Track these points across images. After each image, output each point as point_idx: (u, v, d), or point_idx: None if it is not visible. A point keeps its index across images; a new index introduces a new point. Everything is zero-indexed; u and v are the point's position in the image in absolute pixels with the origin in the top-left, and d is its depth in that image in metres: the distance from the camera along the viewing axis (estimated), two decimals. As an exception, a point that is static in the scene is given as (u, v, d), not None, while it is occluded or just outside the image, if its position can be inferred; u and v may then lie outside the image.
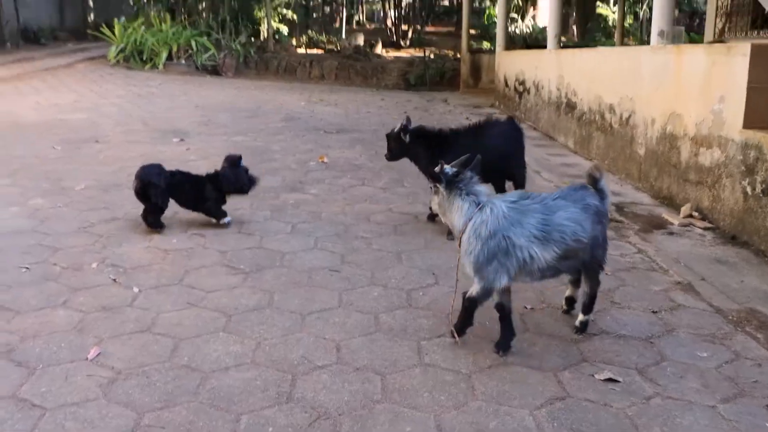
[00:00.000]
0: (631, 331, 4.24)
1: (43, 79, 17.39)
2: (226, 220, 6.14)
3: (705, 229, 6.33)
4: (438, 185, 3.89)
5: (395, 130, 6.22)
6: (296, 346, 3.95)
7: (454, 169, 3.89)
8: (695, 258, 5.61)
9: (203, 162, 8.68)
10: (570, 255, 3.84)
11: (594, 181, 4.06)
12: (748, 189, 5.82)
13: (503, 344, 3.96)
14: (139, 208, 6.03)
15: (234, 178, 6.09)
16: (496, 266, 3.75)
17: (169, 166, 6.16)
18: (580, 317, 4.22)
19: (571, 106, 10.56)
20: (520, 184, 6.45)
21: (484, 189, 3.92)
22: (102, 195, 7.11)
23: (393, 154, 6.37)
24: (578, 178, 8.03)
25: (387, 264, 5.33)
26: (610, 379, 3.64)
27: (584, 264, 4.04)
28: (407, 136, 6.15)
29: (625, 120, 8.39)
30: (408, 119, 6.24)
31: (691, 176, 6.79)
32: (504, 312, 3.95)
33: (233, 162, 6.13)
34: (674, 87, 7.21)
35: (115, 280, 4.88)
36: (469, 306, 3.97)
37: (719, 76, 6.36)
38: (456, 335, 4.03)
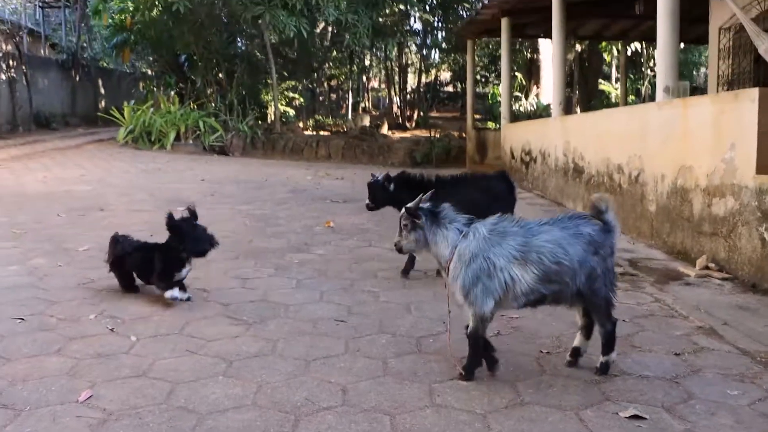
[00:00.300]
0: (654, 371, 4.02)
1: (52, 157, 17.49)
2: (170, 295, 5.24)
3: (723, 279, 6.13)
4: (418, 221, 3.89)
5: (379, 179, 6.33)
6: (300, 389, 3.74)
7: (431, 204, 3.95)
8: (715, 305, 5.40)
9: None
10: (553, 278, 3.76)
11: (598, 213, 3.95)
12: (766, 235, 5.65)
13: (467, 370, 3.91)
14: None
15: (195, 236, 5.35)
16: (482, 288, 3.74)
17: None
18: (601, 358, 4.01)
19: (578, 171, 10.48)
20: None
21: (464, 217, 3.94)
22: (103, 255, 6.93)
23: (376, 203, 6.41)
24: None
25: (395, 314, 5.13)
26: (635, 416, 3.41)
27: (584, 298, 3.90)
28: (391, 185, 6.27)
29: (634, 178, 8.27)
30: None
31: (705, 228, 6.63)
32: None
33: (192, 215, 5.46)
34: (683, 140, 7.12)
35: (112, 329, 4.70)
36: (474, 343, 3.89)
37: (728, 123, 6.27)
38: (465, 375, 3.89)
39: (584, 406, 3.54)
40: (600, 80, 27.15)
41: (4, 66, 24.04)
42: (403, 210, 3.90)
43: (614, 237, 3.98)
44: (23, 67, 25.07)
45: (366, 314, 5.11)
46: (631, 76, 28.54)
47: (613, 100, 24.33)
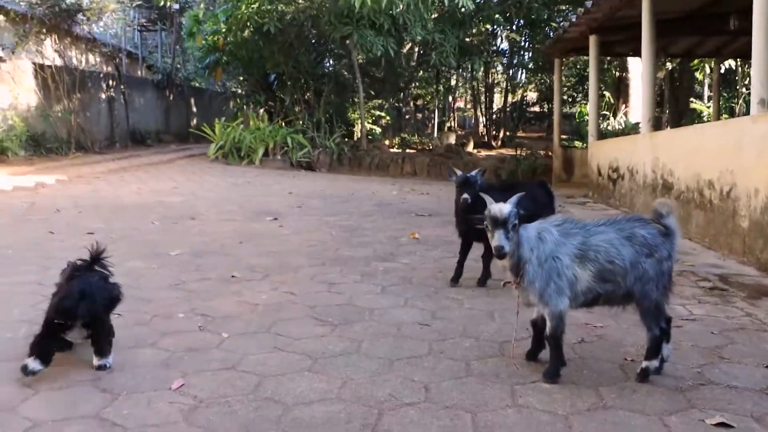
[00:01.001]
0: (743, 382, 3.94)
1: (146, 171, 18.19)
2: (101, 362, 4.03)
3: (819, 296, 5.94)
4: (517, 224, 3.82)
5: (474, 174, 6.04)
6: (383, 386, 3.82)
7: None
8: (811, 321, 5.24)
9: (296, 236, 8.81)
10: (607, 278, 3.86)
11: (659, 217, 3.99)
12: None
13: (550, 372, 3.94)
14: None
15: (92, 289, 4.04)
16: (555, 288, 3.82)
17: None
18: (642, 363, 4.01)
19: (667, 187, 10.29)
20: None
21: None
22: (195, 259, 7.24)
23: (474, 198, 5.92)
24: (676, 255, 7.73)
25: (479, 320, 5.16)
26: (722, 424, 3.35)
27: (633, 299, 3.94)
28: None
29: (726, 194, 8.09)
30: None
31: (801, 244, 6.44)
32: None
33: (93, 260, 4.27)
34: (778, 154, 6.94)
35: (202, 327, 4.89)
36: (554, 343, 3.93)
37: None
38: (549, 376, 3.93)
39: (669, 413, 3.51)
40: (691, 99, 26.51)
41: (104, 86, 25.09)
42: (512, 209, 3.78)
43: (673, 242, 3.98)
44: (122, 87, 26.11)
45: (450, 319, 5.17)
46: (725, 94, 27.78)
47: (705, 119, 23.72)
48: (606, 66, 27.21)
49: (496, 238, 3.74)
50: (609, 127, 22.67)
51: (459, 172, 6.09)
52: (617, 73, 26.18)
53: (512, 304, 5.44)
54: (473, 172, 6.08)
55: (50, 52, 21.58)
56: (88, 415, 3.38)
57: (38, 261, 7.05)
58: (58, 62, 21.64)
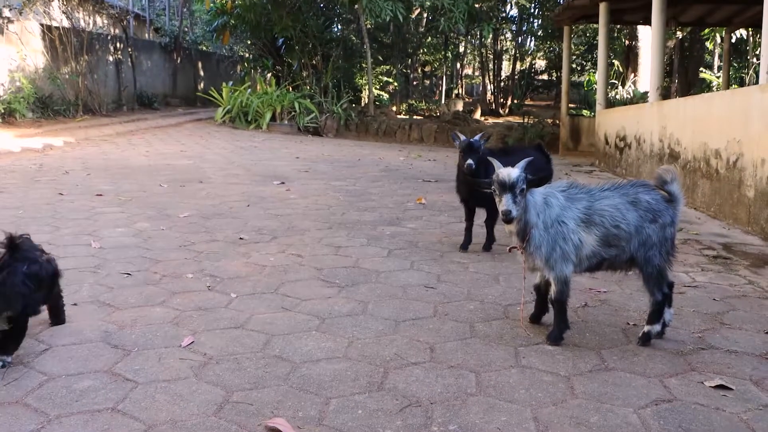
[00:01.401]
0: (743, 347, 4.00)
1: (153, 134, 18.26)
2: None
3: (822, 265, 5.98)
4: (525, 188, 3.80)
5: (477, 138, 6.01)
6: (389, 345, 3.89)
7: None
8: (813, 289, 5.29)
9: (303, 200, 8.87)
10: (612, 242, 3.91)
11: (662, 183, 4.01)
12: None
13: (554, 335, 4.00)
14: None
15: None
16: (560, 253, 3.87)
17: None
18: (645, 327, 4.07)
19: (674, 156, 10.30)
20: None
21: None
22: (203, 221, 7.31)
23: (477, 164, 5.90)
24: (681, 223, 7.78)
25: (483, 284, 5.23)
26: (721, 386, 3.42)
27: (637, 264, 4.00)
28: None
29: (732, 163, 8.10)
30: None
31: (806, 213, 6.47)
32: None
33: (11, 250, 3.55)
34: (786, 124, 6.94)
35: (210, 287, 4.96)
36: (559, 307, 3.99)
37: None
38: (553, 339, 4.00)
39: (669, 375, 3.57)
40: (701, 69, 26.35)
41: (111, 48, 25.04)
42: (520, 174, 3.77)
43: (677, 208, 4.02)
44: (129, 50, 26.06)
45: (455, 283, 5.23)
46: (735, 64, 27.60)
47: (715, 89, 23.59)
48: (616, 34, 27.05)
49: (504, 203, 3.75)
50: (617, 96, 22.58)
51: (463, 137, 6.04)
52: (627, 42, 26.01)
53: (517, 268, 5.52)
54: (476, 137, 6.05)
55: (58, 13, 21.51)
56: (101, 370, 3.47)
57: (49, 221, 7.13)
58: (66, 24, 21.58)
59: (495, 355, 3.78)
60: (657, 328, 4.02)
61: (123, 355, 3.66)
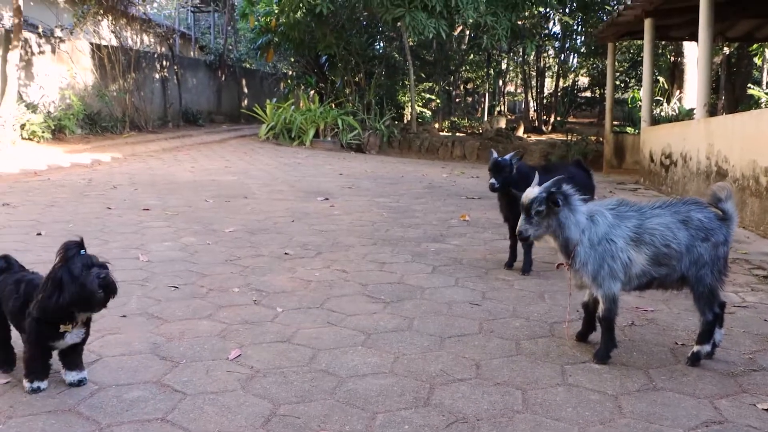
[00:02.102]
0: (795, 369, 3.93)
1: (198, 150, 18.53)
2: (30, 385, 3.38)
3: None
4: (556, 206, 3.83)
5: (507, 158, 5.93)
6: (435, 362, 3.89)
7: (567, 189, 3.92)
8: None
9: (347, 216, 8.92)
10: (662, 261, 3.87)
11: (717, 201, 3.95)
12: None
13: (601, 353, 3.97)
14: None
15: (70, 279, 3.22)
16: (608, 271, 3.85)
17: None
18: (694, 347, 4.00)
19: (721, 174, 10.16)
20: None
21: (583, 200, 3.99)
22: (249, 236, 7.39)
23: (502, 183, 5.87)
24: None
25: (529, 301, 5.21)
26: (773, 408, 3.36)
27: (688, 283, 3.95)
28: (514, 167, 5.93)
29: (783, 182, 7.96)
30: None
31: None
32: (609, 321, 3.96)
33: (69, 253, 3.27)
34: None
35: (256, 301, 5.02)
36: (608, 325, 3.96)
37: None
38: (600, 357, 3.98)
39: (719, 396, 3.52)
40: (749, 85, 25.95)
41: (158, 66, 25.48)
42: (537, 195, 3.83)
43: (731, 226, 3.95)
44: (175, 68, 26.48)
45: (500, 300, 5.21)
46: (785, 81, 27.16)
47: (764, 105, 23.20)
48: (660, 51, 26.78)
49: (519, 223, 3.90)
50: (662, 113, 22.31)
51: (495, 155, 5.96)
52: (672, 58, 25.75)
53: (562, 286, 5.49)
54: (507, 156, 5.96)
55: (107, 32, 22.02)
56: (150, 381, 3.52)
57: (98, 235, 7.27)
58: (114, 42, 22.07)
59: (541, 373, 3.76)
60: (707, 348, 3.96)
61: (171, 367, 3.72)
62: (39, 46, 19.07)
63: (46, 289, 3.24)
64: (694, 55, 21.44)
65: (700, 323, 3.96)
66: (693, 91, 20.02)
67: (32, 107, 17.75)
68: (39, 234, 7.25)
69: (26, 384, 3.37)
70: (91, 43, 21.20)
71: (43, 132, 17.16)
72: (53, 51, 19.52)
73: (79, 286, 3.20)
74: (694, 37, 16.51)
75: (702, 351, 3.95)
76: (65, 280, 3.20)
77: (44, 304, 3.23)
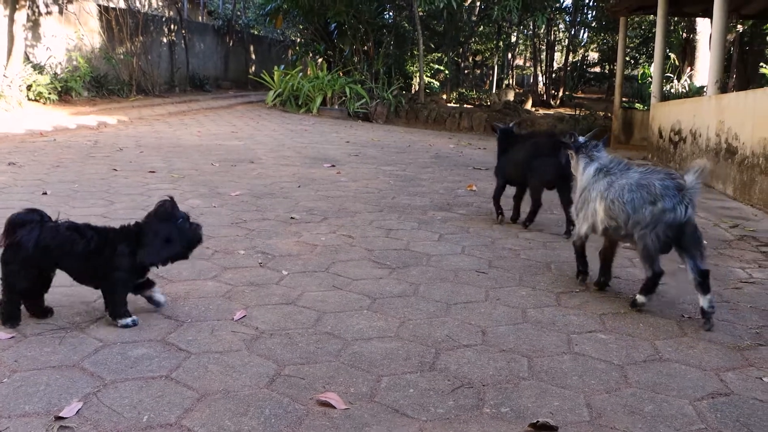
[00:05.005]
0: (805, 344, 3.90)
1: (205, 115, 18.47)
2: (126, 321, 3.66)
3: None
4: (571, 150, 4.86)
5: (509, 125, 7.15)
6: (441, 327, 3.88)
7: (583, 139, 4.84)
8: None
9: (353, 183, 8.89)
10: (611, 216, 4.32)
11: (687, 171, 4.18)
12: None
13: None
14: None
15: (178, 233, 3.73)
16: (583, 215, 4.60)
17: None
18: (636, 296, 4.38)
19: (731, 152, 10.08)
20: (564, 198, 6.49)
21: (605, 155, 4.66)
22: (255, 200, 7.37)
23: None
24: (738, 220, 7.64)
25: (535, 270, 5.19)
26: (780, 382, 3.34)
27: (633, 240, 4.28)
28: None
29: (794, 159, 7.90)
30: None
31: None
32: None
33: (165, 213, 3.75)
34: None
35: (262, 264, 5.00)
36: (574, 250, 4.91)
37: None
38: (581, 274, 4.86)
39: (725, 369, 3.49)
40: (761, 63, 25.74)
41: (165, 30, 25.35)
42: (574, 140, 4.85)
43: (687, 196, 4.07)
44: (182, 32, 26.33)
45: (506, 268, 5.19)
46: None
47: (775, 85, 23.05)
48: (672, 27, 26.54)
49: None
50: (672, 90, 22.18)
51: (501, 126, 7.06)
52: (684, 35, 25.54)
53: (569, 256, 5.47)
54: (509, 124, 7.18)
55: (114, -7, 21.86)
56: (154, 339, 3.51)
57: (103, 196, 7.25)
58: (122, 5, 21.91)
59: (547, 341, 3.74)
60: (643, 299, 4.32)
61: (176, 326, 3.70)
62: (46, 6, 18.92)
63: (154, 242, 3.66)
64: (706, 31, 21.31)
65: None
66: (704, 68, 19.92)
67: (39, 68, 17.68)
68: (45, 193, 7.23)
69: (126, 320, 3.66)
70: (99, 5, 21.05)
71: (50, 93, 17.10)
72: (60, 12, 19.39)
73: (188, 239, 3.78)
74: (707, 14, 16.37)
75: (639, 300, 4.33)
76: (173, 235, 3.72)
77: (159, 254, 3.69)
